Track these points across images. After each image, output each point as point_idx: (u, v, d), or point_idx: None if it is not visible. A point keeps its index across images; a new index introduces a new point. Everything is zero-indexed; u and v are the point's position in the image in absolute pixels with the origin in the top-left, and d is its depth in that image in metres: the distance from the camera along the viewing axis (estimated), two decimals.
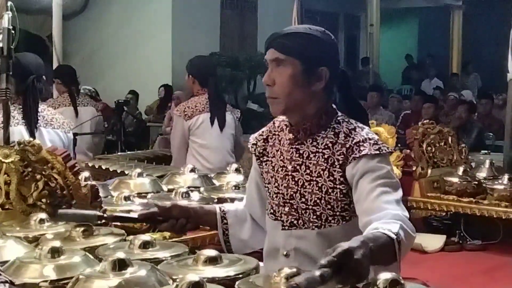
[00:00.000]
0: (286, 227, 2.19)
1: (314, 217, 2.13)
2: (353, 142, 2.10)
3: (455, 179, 4.28)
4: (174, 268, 1.92)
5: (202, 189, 3.46)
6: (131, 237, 2.19)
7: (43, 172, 2.57)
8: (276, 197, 2.22)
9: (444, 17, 16.41)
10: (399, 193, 2.06)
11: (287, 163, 2.19)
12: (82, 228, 2.25)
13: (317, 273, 1.48)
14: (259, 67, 9.54)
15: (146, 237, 2.13)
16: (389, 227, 1.82)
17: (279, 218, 2.21)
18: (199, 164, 4.52)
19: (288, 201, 2.19)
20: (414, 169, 4.41)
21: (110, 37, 10.80)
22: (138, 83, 10.24)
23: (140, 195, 3.21)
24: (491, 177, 4.43)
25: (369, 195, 2.02)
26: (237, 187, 3.38)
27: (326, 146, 2.13)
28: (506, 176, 4.16)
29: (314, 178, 2.13)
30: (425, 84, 14.37)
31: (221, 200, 3.16)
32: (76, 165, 2.62)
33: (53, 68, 6.71)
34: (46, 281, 1.83)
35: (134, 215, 2.33)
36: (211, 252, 1.95)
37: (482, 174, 4.53)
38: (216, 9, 11.13)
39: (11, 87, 3.22)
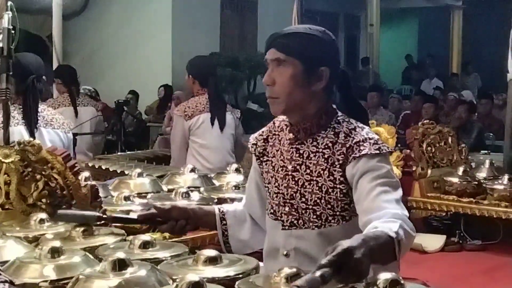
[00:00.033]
0: (286, 227, 2.19)
1: (314, 217, 2.13)
2: (353, 142, 2.10)
3: (455, 179, 4.28)
4: (174, 268, 1.92)
5: (202, 189, 3.45)
6: (131, 237, 2.19)
7: (43, 172, 2.57)
8: (276, 197, 2.22)
9: (444, 17, 16.42)
10: (399, 192, 2.06)
11: (287, 163, 2.19)
12: (82, 228, 2.25)
13: (318, 273, 1.48)
14: (259, 67, 9.53)
15: (146, 237, 2.13)
16: (389, 226, 1.82)
17: (279, 218, 2.21)
18: (199, 164, 4.52)
19: (288, 201, 2.19)
20: (414, 169, 4.41)
21: (110, 37, 10.80)
22: (138, 83, 10.24)
23: (140, 195, 3.20)
24: (491, 177, 4.43)
25: (369, 195, 2.02)
26: (237, 187, 3.38)
27: (326, 146, 2.13)
28: (506, 176, 4.16)
29: (314, 178, 2.13)
30: (425, 84, 14.36)
31: (221, 200, 3.15)
32: (76, 165, 2.62)
33: (53, 68, 6.70)
34: (46, 281, 1.83)
35: (134, 216, 2.33)
36: (211, 252, 1.95)
37: (482, 174, 4.54)
38: (216, 9, 11.13)
39: (11, 87, 3.22)
